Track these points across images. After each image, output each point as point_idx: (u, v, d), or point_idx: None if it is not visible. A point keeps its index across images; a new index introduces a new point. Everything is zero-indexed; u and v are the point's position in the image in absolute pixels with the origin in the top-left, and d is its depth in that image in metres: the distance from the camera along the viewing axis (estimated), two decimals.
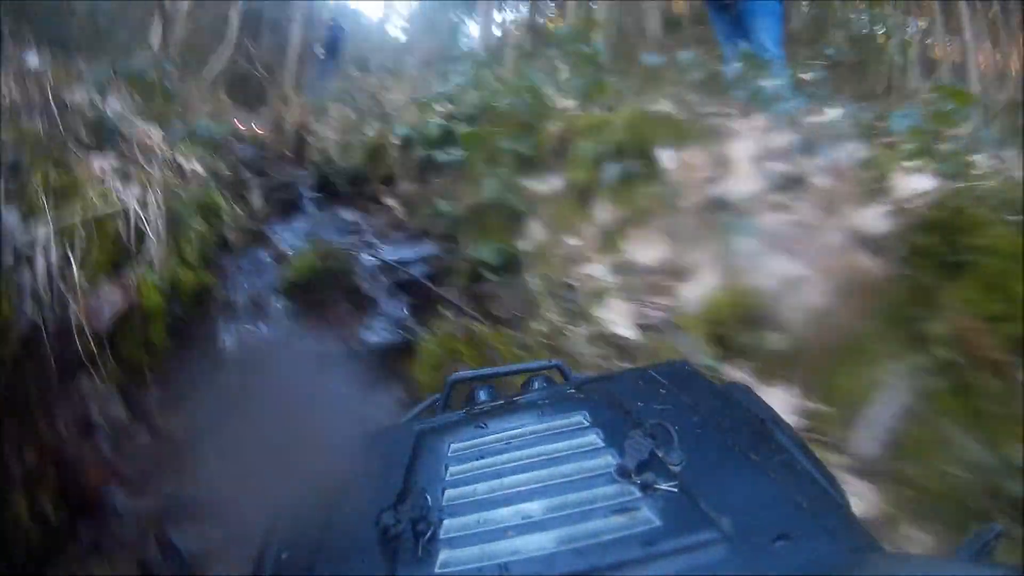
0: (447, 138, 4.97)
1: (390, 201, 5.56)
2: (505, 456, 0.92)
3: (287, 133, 6.79)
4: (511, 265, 4.10)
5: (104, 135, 3.82)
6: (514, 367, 1.43)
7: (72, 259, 2.85)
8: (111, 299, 2.94)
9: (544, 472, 0.86)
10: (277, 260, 4.44)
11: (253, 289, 4.07)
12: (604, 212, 3.83)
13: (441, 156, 4.82)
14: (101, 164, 3.54)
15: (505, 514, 0.79)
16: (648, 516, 0.75)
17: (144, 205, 3.39)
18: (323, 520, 0.89)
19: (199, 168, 4.36)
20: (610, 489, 0.80)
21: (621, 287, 3.50)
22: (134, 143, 3.86)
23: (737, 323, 2.76)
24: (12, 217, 2.75)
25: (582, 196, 4.00)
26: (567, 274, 3.79)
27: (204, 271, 3.72)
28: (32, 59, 4.03)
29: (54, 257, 2.78)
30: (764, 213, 2.98)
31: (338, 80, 10.11)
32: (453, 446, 0.98)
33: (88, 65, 4.59)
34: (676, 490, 0.78)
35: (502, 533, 0.76)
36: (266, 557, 0.88)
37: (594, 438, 0.92)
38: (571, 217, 4.02)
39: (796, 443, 0.98)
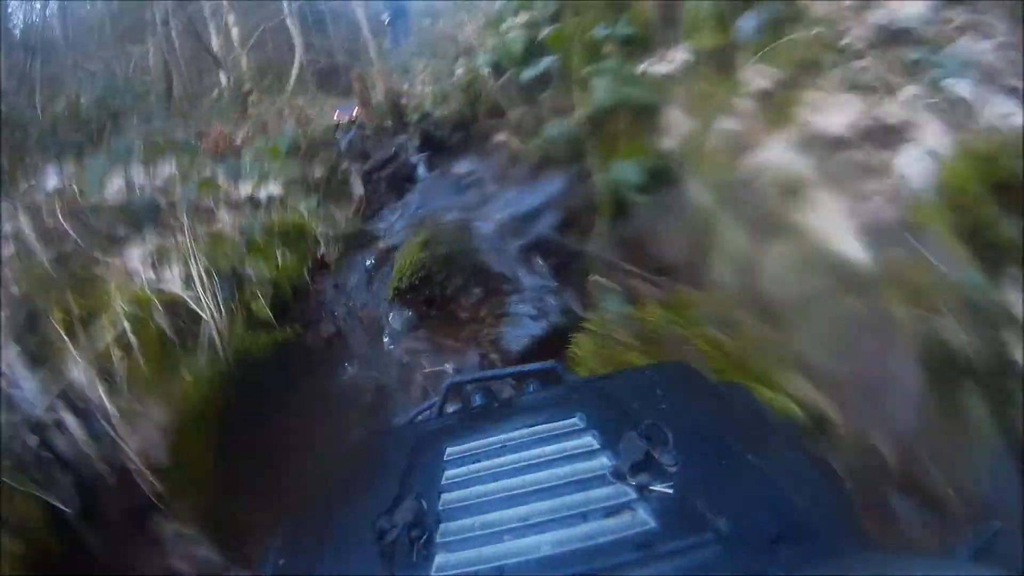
0: (534, 48, 4.29)
1: (500, 136, 4.93)
2: (501, 459, 0.93)
3: (380, 104, 6.65)
4: (660, 177, 3.26)
5: (139, 219, 3.51)
6: (510, 369, 1.36)
7: (108, 394, 2.43)
8: (160, 419, 2.45)
9: (540, 475, 0.86)
10: (382, 261, 3.84)
11: (358, 308, 3.23)
12: (758, 78, 2.87)
13: (530, 71, 4.13)
14: (135, 256, 3.14)
15: (501, 517, 0.81)
16: (644, 518, 0.75)
17: (188, 282, 2.96)
18: (321, 525, 0.92)
19: (275, 190, 4.08)
20: (606, 491, 0.81)
21: (815, 174, 2.55)
22: (181, 212, 3.47)
23: (988, 202, 1.96)
24: (29, 385, 2.38)
25: (720, 65, 3.10)
26: (737, 171, 2.85)
27: (280, 326, 3.14)
28: (51, 178, 3.86)
29: (94, 395, 2.39)
30: (951, 36, 2.13)
31: (413, 35, 9.78)
32: (449, 450, 0.99)
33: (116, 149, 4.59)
34: (672, 491, 0.77)
35: (499, 536, 0.78)
36: (265, 562, 0.90)
37: (590, 440, 0.91)
38: (716, 96, 3.09)
39: (796, 443, 0.95)
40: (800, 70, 2.68)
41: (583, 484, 0.82)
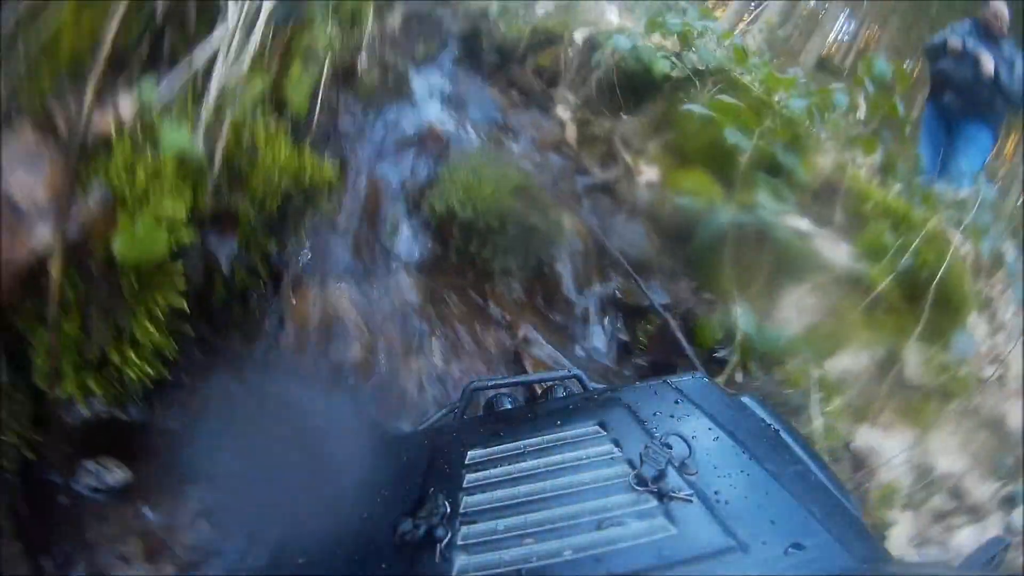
0: None
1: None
2: (523, 464, 0.93)
3: None
4: None
5: None
6: (533, 376, 1.37)
7: None
8: None
9: (561, 480, 0.87)
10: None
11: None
12: None
13: None
14: None
15: (522, 521, 0.81)
16: (664, 524, 0.75)
17: None
18: (341, 526, 0.91)
19: None
20: (627, 498, 0.81)
21: None
22: None
23: None
24: None
25: None
26: None
27: None
28: None
29: None
30: None
31: None
32: (471, 454, 0.99)
33: None
34: (692, 499, 0.78)
35: (519, 540, 0.78)
36: (284, 562, 0.89)
37: (611, 447, 0.91)
38: None
39: (810, 454, 0.92)
40: None
41: (604, 490, 0.83)
